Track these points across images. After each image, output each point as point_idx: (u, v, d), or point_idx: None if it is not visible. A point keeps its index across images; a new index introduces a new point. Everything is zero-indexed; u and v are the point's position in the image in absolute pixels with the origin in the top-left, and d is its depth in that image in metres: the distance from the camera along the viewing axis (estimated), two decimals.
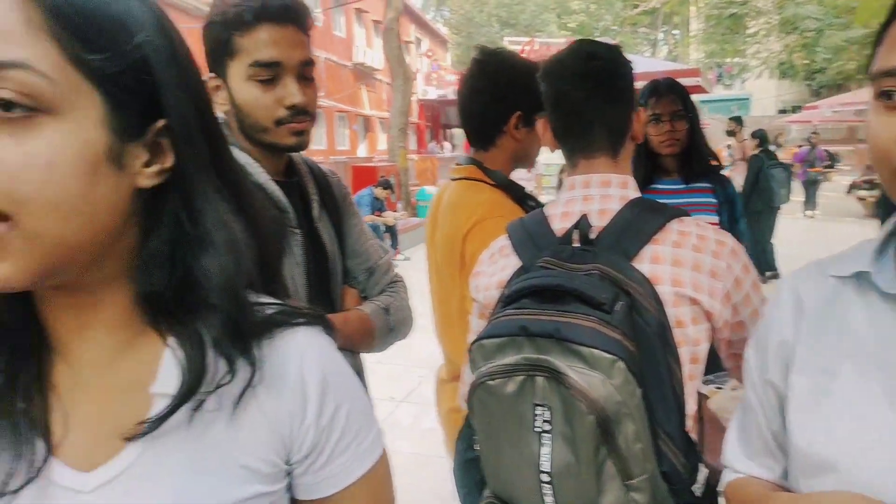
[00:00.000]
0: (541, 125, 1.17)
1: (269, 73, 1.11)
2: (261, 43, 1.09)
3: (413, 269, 4.86)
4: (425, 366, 4.25)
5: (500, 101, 1.47)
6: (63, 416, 0.55)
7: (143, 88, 0.52)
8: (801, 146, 14.06)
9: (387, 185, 9.26)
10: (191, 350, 0.54)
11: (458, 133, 20.85)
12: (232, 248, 0.56)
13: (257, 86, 1.11)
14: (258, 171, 1.16)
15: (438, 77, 21.62)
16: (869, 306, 0.70)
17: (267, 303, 0.62)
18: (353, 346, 1.25)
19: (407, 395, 4.15)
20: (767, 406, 0.78)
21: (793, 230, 8.99)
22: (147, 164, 0.53)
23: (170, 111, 0.53)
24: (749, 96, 24.33)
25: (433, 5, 30.40)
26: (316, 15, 15.69)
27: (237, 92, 1.13)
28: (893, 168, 0.63)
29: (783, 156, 11.15)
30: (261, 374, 0.57)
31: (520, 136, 1.49)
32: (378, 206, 9.05)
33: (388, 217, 9.05)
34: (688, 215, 1.05)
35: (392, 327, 1.35)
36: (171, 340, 0.56)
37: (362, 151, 20.72)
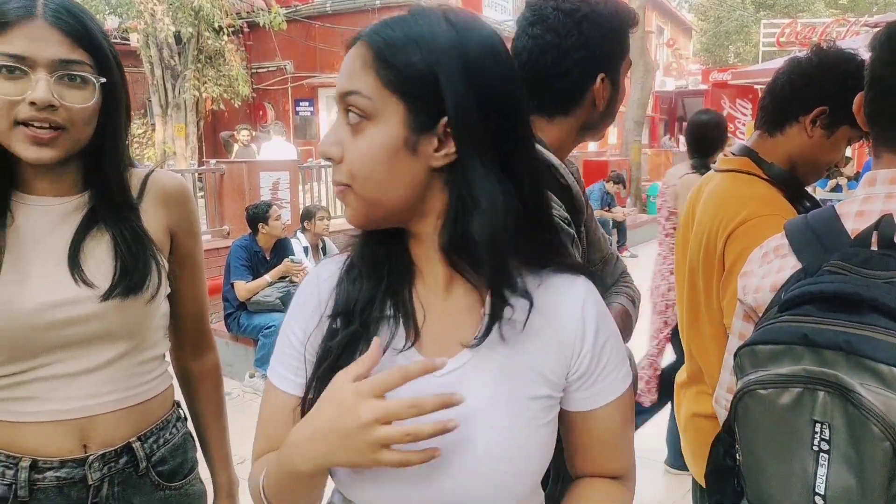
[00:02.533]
0: (858, 99, 1.04)
1: None
2: None
3: (639, 267, 4.70)
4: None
5: (812, 87, 1.37)
6: (421, 321, 0.79)
7: (433, 96, 0.70)
8: None
9: (618, 180, 9.05)
10: (496, 289, 0.74)
11: None
12: (494, 214, 0.72)
13: None
14: (565, 173, 1.20)
15: (679, 67, 20.46)
16: None
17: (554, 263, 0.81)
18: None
19: None
20: None
21: None
22: (437, 150, 0.72)
23: (450, 114, 0.70)
24: None
25: None
26: None
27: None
28: None
29: None
30: (540, 306, 0.77)
31: (812, 134, 1.37)
32: (608, 201, 8.89)
33: (618, 213, 8.85)
34: None
35: (636, 318, 1.34)
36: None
37: (592, 145, 20.44)
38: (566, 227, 1.11)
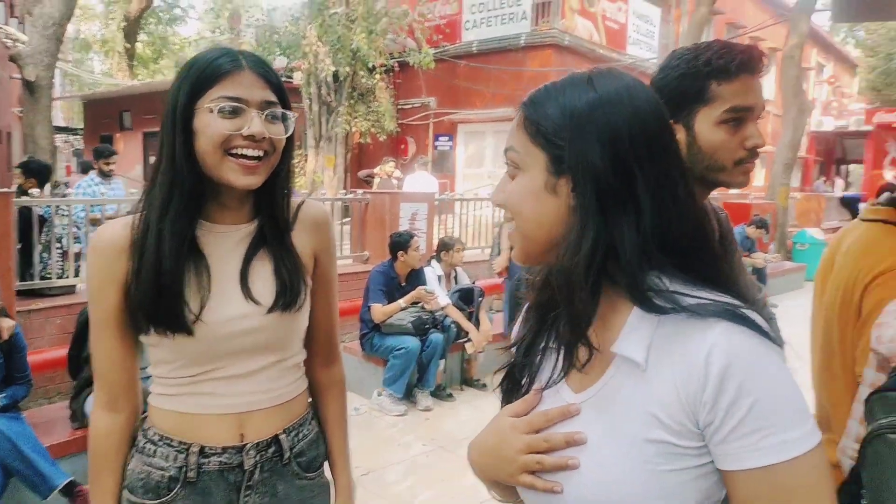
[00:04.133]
0: None
1: (740, 117, 1.24)
2: (739, 91, 1.23)
3: (779, 318, 4.45)
4: None
5: None
6: (574, 355, 0.86)
7: (565, 144, 0.81)
8: None
9: (761, 224, 8.55)
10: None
11: (855, 170, 17.96)
12: (567, 251, 0.79)
13: (727, 129, 1.25)
14: None
15: (839, 106, 19.00)
16: None
17: (702, 296, 0.77)
18: None
19: None
20: None
21: None
22: (573, 190, 0.80)
23: (568, 161, 0.80)
24: None
25: (845, 25, 26.78)
26: None
27: (704, 135, 1.27)
28: None
29: None
30: (662, 344, 0.77)
31: None
32: (748, 246, 8.42)
33: (758, 258, 8.35)
34: None
35: None
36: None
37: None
38: None
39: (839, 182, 18.08)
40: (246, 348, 1.23)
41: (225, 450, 1.23)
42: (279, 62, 13.13)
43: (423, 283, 4.85)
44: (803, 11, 10.95)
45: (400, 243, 4.75)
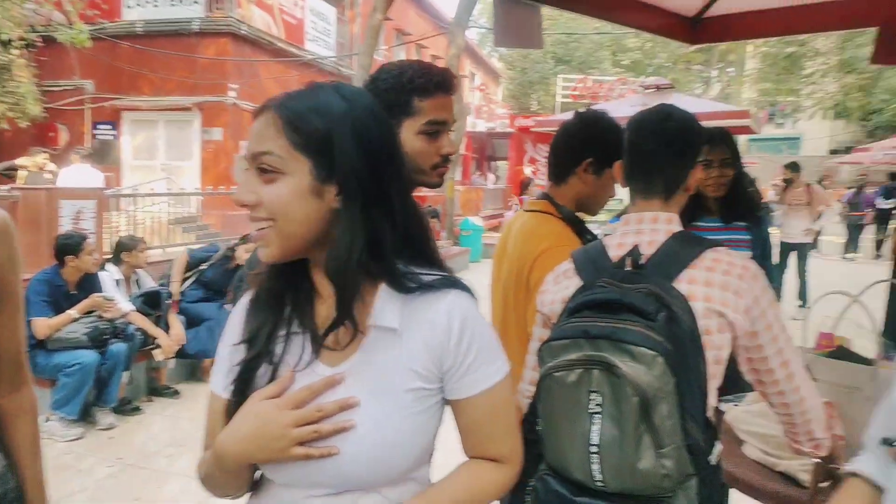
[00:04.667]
0: (617, 166, 1.42)
1: (436, 129, 1.40)
2: (436, 107, 1.39)
3: None
4: None
5: (578, 144, 1.74)
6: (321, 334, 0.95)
7: (330, 154, 0.89)
8: (849, 188, 13.83)
9: (434, 215, 9.51)
10: (337, 307, 0.93)
11: (503, 165, 21.15)
12: (342, 250, 0.90)
13: (425, 138, 1.40)
14: None
15: (489, 110, 22.06)
16: None
17: (432, 273, 0.98)
18: None
19: None
20: None
21: (828, 271, 9.67)
22: (337, 195, 0.90)
23: (336, 169, 0.89)
24: (800, 136, 23.98)
25: (490, 41, 31.08)
26: (383, 52, 16.33)
27: (408, 142, 1.40)
28: None
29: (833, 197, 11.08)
30: (412, 313, 0.94)
31: (587, 180, 1.73)
32: None
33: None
34: (721, 246, 1.27)
35: None
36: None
37: None
38: None
39: (491, 176, 21.01)
40: None
41: None
42: None
43: (99, 290, 4.32)
44: (459, 27, 12.40)
45: (69, 246, 4.14)
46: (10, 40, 10.39)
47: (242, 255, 5.29)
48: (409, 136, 1.40)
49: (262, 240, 0.92)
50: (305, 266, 0.98)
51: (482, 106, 22.45)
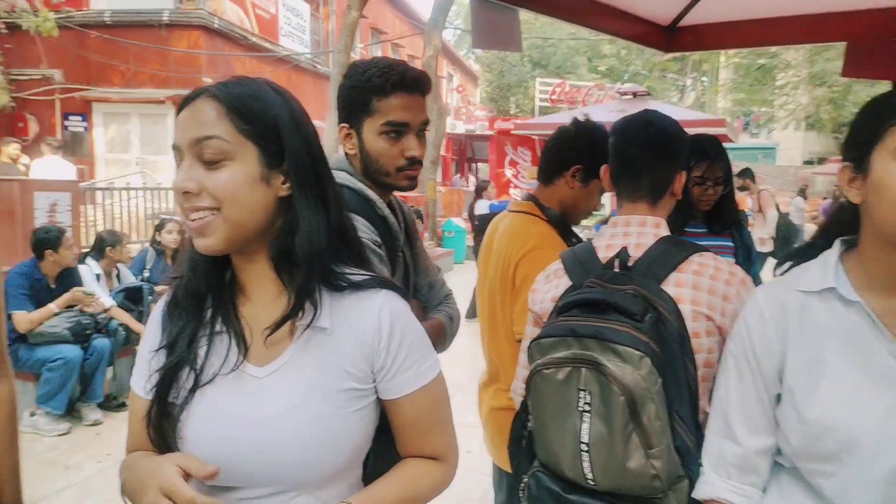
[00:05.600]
0: (603, 170, 1.46)
1: (397, 130, 1.39)
2: (394, 108, 1.38)
3: None
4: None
5: (570, 150, 1.78)
6: (249, 335, 0.95)
7: (277, 141, 0.90)
8: (825, 198, 14.18)
9: (417, 216, 9.57)
10: (298, 294, 0.93)
11: (483, 167, 21.24)
12: (312, 235, 0.91)
13: (387, 139, 1.40)
14: (382, 206, 1.45)
15: (468, 112, 22.12)
16: (832, 310, 1.00)
17: (361, 273, 0.98)
18: (434, 347, 1.53)
19: None
20: (763, 390, 1.05)
21: None
22: (284, 183, 0.92)
23: (287, 156, 0.91)
24: (775, 146, 24.44)
25: (467, 43, 31.15)
26: (359, 50, 16.26)
27: (369, 142, 1.41)
28: None
29: (809, 207, 11.29)
30: (342, 313, 0.94)
31: (572, 185, 1.79)
32: None
33: None
34: (707, 251, 1.32)
35: (454, 333, 1.64)
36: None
37: None
38: (376, 248, 1.36)
39: (472, 178, 21.07)
40: None
41: None
42: None
43: (79, 284, 4.28)
44: (435, 27, 12.43)
45: (48, 240, 4.11)
46: None
47: (168, 238, 5.19)
48: (370, 136, 1.41)
49: (202, 230, 0.88)
50: (227, 264, 0.96)
51: (461, 108, 22.50)
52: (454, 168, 21.58)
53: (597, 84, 18.35)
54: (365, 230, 1.35)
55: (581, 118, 1.86)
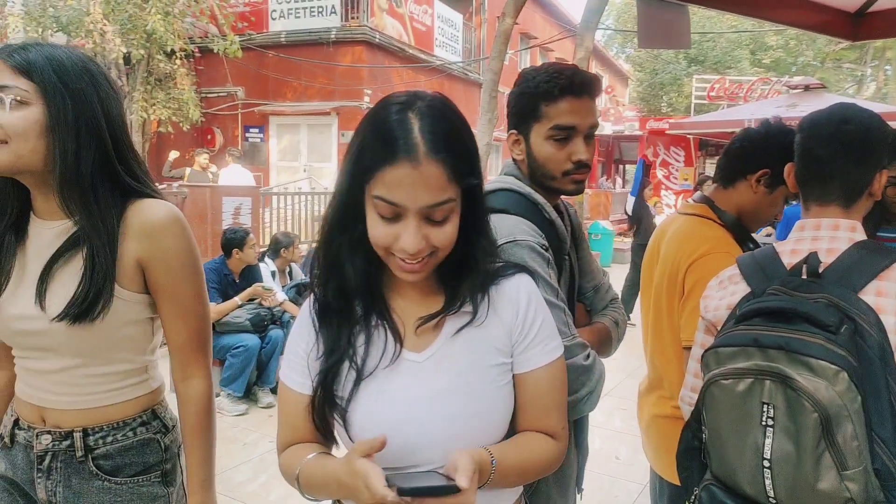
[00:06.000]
0: (788, 169, 1.37)
1: (564, 135, 1.41)
2: (563, 112, 1.40)
3: None
4: None
5: (758, 152, 1.69)
6: (401, 327, 1.04)
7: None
8: None
9: None
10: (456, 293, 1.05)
11: (630, 169, 20.54)
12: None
13: (554, 144, 1.42)
14: (549, 210, 1.47)
15: (616, 113, 21.49)
16: None
17: (500, 261, 1.10)
18: (599, 352, 1.51)
19: None
20: None
21: None
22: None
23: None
24: None
25: (617, 42, 30.29)
26: (509, 56, 16.43)
27: (537, 147, 1.44)
28: None
29: None
30: (492, 298, 1.04)
31: (756, 190, 1.69)
32: None
33: None
34: None
35: (620, 338, 1.62)
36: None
37: None
38: (542, 251, 1.36)
39: (619, 180, 20.49)
40: (37, 347, 1.23)
41: (30, 428, 1.29)
42: (58, 40, 11.69)
43: (259, 280, 4.74)
44: (587, 29, 12.21)
45: (235, 240, 4.60)
46: (173, 51, 11.48)
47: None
48: (538, 140, 1.41)
49: (422, 269, 0.99)
50: (375, 261, 1.01)
51: (609, 109, 21.92)
52: (600, 170, 21.05)
53: (760, 78, 17.07)
54: (532, 233, 1.37)
55: (773, 120, 1.75)
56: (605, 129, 20.02)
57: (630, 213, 7.67)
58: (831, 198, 1.28)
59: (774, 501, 1.10)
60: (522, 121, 1.47)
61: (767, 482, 1.10)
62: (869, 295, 1.15)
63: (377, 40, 12.90)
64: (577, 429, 1.55)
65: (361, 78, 12.87)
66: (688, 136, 11.60)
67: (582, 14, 9.74)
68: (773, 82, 15.74)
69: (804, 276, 1.21)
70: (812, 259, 1.21)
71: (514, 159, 1.53)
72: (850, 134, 1.25)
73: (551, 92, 1.39)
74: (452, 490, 0.85)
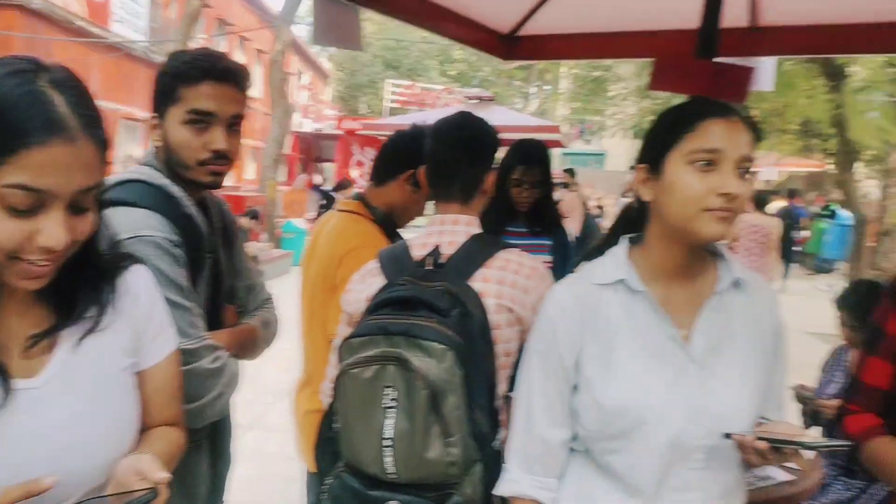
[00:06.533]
0: (421, 171, 1.49)
1: (202, 120, 1.31)
2: (201, 96, 1.30)
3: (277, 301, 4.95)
4: (272, 393, 4.34)
5: (407, 153, 1.77)
6: (3, 351, 0.87)
7: None
8: None
9: (254, 216, 9.23)
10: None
11: (329, 167, 20.99)
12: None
13: (190, 129, 1.31)
14: (186, 204, 1.36)
15: (317, 111, 21.74)
16: (622, 301, 1.11)
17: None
18: (242, 354, 1.46)
19: (254, 421, 4.22)
20: (563, 383, 1.13)
21: None
22: None
23: None
24: (604, 152, 26.52)
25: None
26: (202, 41, 15.37)
27: (172, 132, 1.32)
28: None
29: None
30: (115, 298, 0.96)
31: (405, 190, 1.79)
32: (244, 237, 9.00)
33: (251, 248, 9.01)
34: (515, 248, 1.38)
35: (268, 340, 1.58)
36: None
37: (228, 179, 19.93)
38: (169, 247, 1.27)
39: (318, 178, 20.67)
40: None
41: None
42: None
43: None
44: (285, 22, 12.07)
45: None
46: None
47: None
48: (174, 124, 1.33)
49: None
50: None
51: (309, 106, 22.05)
52: (300, 168, 21.05)
53: (446, 88, 18.84)
54: (160, 228, 1.27)
55: (422, 122, 1.86)
56: (305, 126, 20.09)
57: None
58: (453, 195, 1.42)
59: (395, 476, 1.18)
60: (161, 103, 1.34)
61: (388, 459, 1.17)
62: (476, 281, 1.30)
63: (35, 6, 11.01)
64: (218, 436, 1.46)
65: (14, 49, 10.84)
66: (379, 137, 12.19)
67: (282, 6, 9.57)
68: (456, 92, 17.47)
69: (429, 267, 1.32)
70: (435, 251, 1.34)
71: (154, 146, 1.38)
72: (466, 139, 1.41)
73: (190, 73, 1.30)
74: (152, 495, 0.81)
